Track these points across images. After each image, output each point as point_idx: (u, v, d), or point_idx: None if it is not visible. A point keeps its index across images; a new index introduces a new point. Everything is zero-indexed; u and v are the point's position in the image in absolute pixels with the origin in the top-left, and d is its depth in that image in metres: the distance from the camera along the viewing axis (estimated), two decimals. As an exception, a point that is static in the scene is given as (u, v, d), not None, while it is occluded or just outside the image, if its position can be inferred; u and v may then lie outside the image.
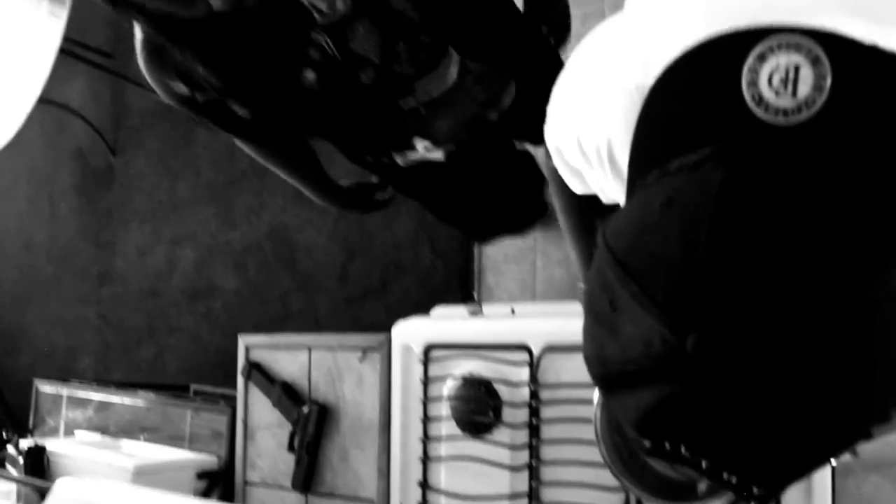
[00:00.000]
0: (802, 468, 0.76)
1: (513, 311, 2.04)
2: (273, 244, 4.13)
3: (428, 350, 2.12)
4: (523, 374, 1.97)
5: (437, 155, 1.85)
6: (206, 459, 2.82)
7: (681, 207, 0.71)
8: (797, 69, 0.71)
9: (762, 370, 0.68)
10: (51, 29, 3.85)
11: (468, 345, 2.05)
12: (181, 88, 1.56)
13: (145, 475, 2.63)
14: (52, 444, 2.93)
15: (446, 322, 2.12)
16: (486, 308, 2.13)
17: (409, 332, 2.16)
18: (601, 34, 1.06)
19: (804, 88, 0.71)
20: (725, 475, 0.74)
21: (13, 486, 2.87)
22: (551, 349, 1.95)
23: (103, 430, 3.26)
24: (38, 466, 2.84)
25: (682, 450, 0.74)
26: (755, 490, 0.75)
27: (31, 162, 5.29)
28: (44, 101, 4.16)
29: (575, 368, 1.90)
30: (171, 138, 4.63)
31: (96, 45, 4.84)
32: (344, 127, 1.75)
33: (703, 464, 0.74)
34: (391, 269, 3.67)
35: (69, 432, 3.37)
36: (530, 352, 1.97)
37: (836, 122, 0.71)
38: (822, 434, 0.72)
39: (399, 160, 1.90)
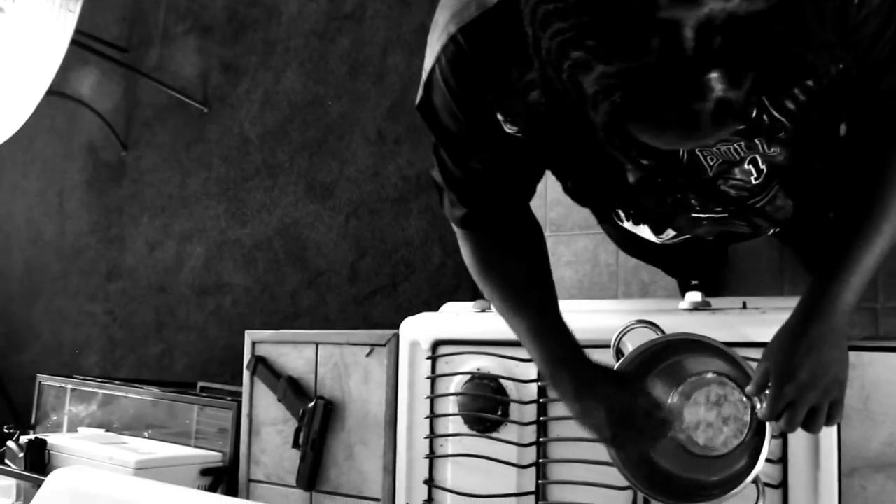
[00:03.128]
0: None
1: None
2: (284, 241, 4.11)
3: (436, 346, 2.09)
4: (531, 371, 1.94)
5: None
6: (211, 455, 2.79)
7: None
8: None
9: None
10: (64, 22, 3.84)
11: (476, 341, 2.01)
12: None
13: (148, 470, 2.60)
14: (53, 439, 2.90)
15: (455, 318, 2.09)
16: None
17: (418, 328, 2.13)
18: None
19: None
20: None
21: (13, 482, 2.84)
22: (561, 346, 1.92)
23: (107, 426, 3.24)
24: (39, 461, 2.80)
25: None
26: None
27: (42, 156, 5.29)
28: (55, 93, 4.15)
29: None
30: (183, 133, 4.62)
31: (110, 38, 4.83)
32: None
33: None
34: (401, 268, 3.64)
35: (73, 428, 3.34)
36: (540, 348, 1.94)
37: None
38: None
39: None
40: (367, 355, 2.30)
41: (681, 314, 1.83)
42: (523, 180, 1.52)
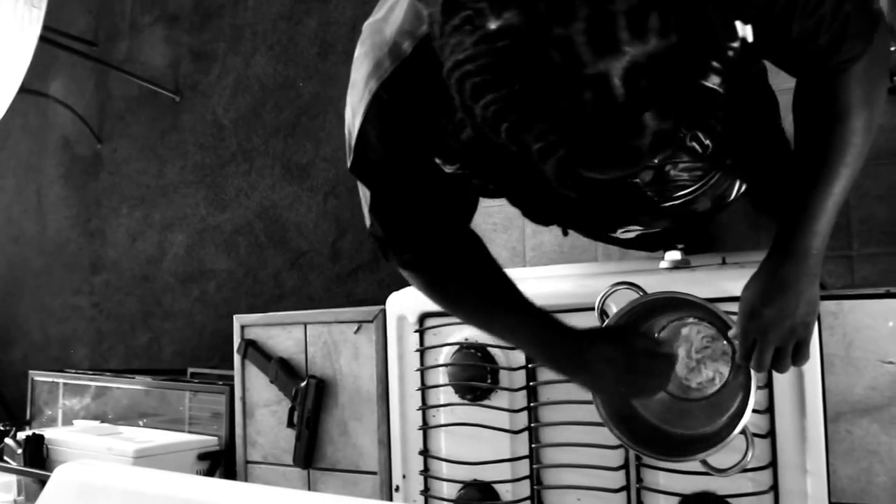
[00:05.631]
0: None
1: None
2: (264, 224, 4.12)
3: (423, 319, 2.12)
4: (519, 337, 1.96)
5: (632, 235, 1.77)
6: (207, 440, 2.82)
7: None
8: None
9: None
10: (30, 19, 3.83)
11: (463, 312, 2.04)
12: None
13: (146, 459, 2.62)
14: (51, 433, 2.92)
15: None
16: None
17: (404, 303, 2.15)
18: None
19: None
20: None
21: (13, 478, 2.86)
22: (546, 312, 1.95)
23: (101, 418, 3.26)
24: (38, 456, 2.82)
25: None
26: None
27: (17, 154, 5.27)
28: (27, 91, 4.14)
29: (571, 330, 1.90)
30: (157, 123, 4.61)
31: (77, 33, 4.82)
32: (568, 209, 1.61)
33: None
34: (383, 244, 3.66)
35: (67, 421, 3.36)
36: (525, 315, 1.97)
37: None
38: None
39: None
40: (356, 332, 2.32)
41: (662, 273, 1.86)
42: (462, 213, 1.55)
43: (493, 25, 0.86)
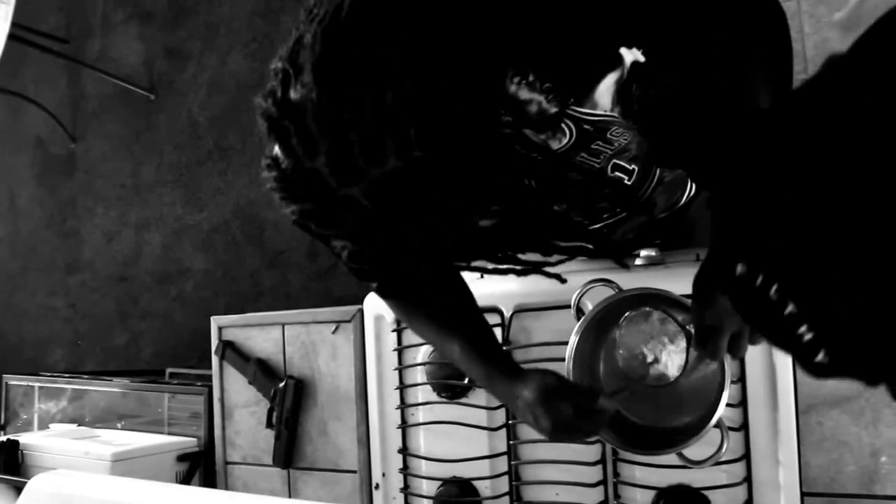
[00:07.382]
0: None
1: (482, 276, 2.03)
2: (241, 223, 4.12)
3: (400, 319, 2.12)
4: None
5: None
6: (186, 441, 2.81)
7: None
8: None
9: None
10: (-1, 16, 3.81)
11: (440, 310, 2.04)
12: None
13: (124, 462, 2.62)
14: (26, 438, 2.90)
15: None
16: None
17: (381, 303, 2.15)
18: None
19: None
20: None
21: (-11, 485, 2.84)
22: (522, 310, 1.95)
23: (79, 421, 3.24)
24: (13, 462, 2.80)
25: None
26: None
27: (-12, 153, 5.25)
28: (-2, 90, 4.12)
29: (545, 328, 1.92)
30: (132, 122, 4.60)
31: (48, 30, 4.80)
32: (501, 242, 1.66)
33: None
34: (360, 241, 3.66)
35: (44, 425, 3.33)
36: (501, 314, 1.98)
37: None
38: None
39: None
40: (334, 332, 2.33)
41: (637, 270, 1.87)
42: None
43: (269, 153, 1.01)
